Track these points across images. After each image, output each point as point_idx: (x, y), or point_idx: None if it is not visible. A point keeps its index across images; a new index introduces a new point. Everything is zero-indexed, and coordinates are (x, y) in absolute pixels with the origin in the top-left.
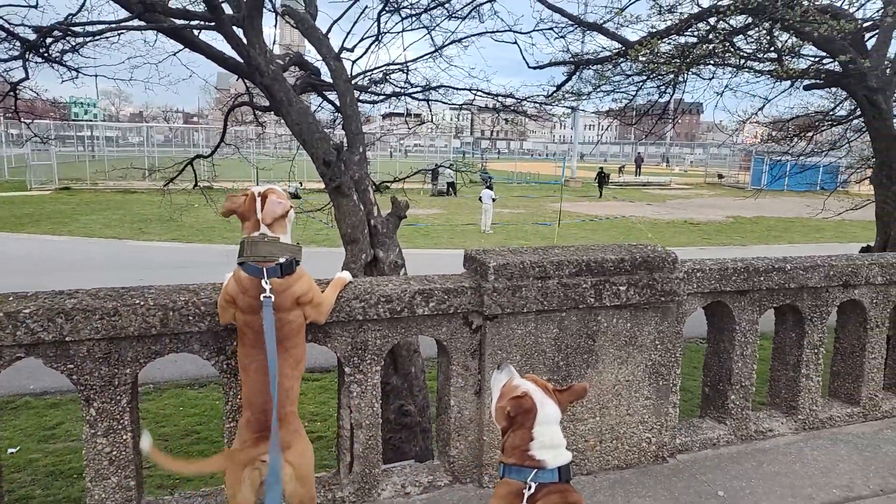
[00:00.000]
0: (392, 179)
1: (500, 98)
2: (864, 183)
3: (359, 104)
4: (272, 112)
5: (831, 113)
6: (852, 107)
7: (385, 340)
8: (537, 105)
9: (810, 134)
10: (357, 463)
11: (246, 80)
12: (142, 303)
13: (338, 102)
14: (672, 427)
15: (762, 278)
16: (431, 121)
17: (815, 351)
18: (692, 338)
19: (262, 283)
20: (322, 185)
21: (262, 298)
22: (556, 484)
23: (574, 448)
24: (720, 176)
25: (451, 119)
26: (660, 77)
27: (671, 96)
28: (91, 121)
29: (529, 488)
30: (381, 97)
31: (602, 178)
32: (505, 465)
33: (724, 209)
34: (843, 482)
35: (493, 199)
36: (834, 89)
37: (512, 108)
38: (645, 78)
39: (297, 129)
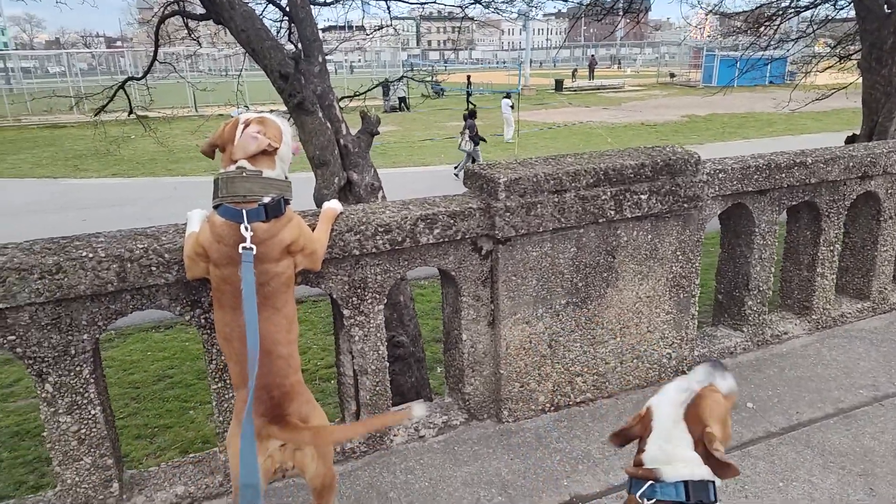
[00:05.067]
0: (352, 94)
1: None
2: (814, 75)
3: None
4: (208, 21)
5: (795, 0)
6: None
7: (387, 276)
8: (487, 6)
9: (776, 23)
10: (364, 411)
11: None
12: (90, 255)
13: (284, 5)
14: (691, 340)
15: (783, 175)
16: (391, 24)
17: (831, 248)
18: None
19: (242, 229)
20: (271, 106)
21: (240, 250)
22: None
23: (595, 372)
24: (672, 75)
25: (396, 30)
26: None
27: None
28: (1, 50)
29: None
30: None
31: (469, 84)
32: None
33: (678, 109)
34: (867, 381)
35: (511, 107)
36: None
37: (463, 10)
38: None
39: (244, 37)
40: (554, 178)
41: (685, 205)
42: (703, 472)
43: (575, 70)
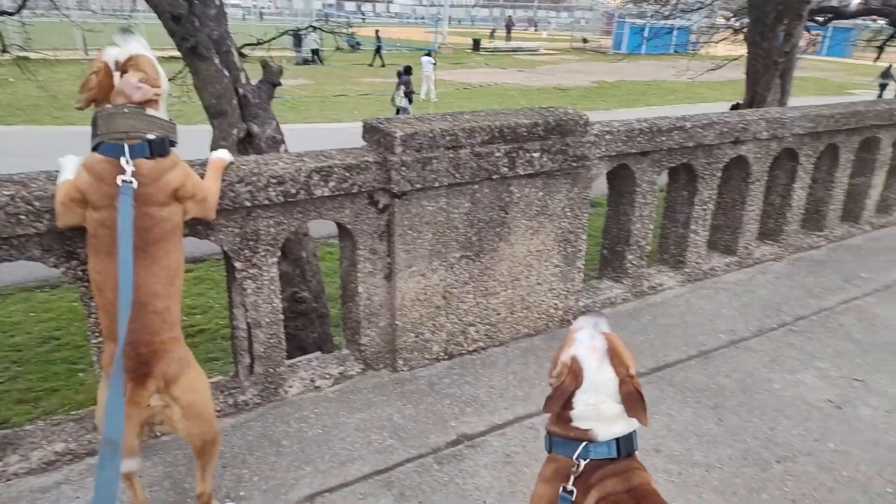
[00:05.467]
0: (255, 42)
1: None
2: (713, 45)
3: None
4: None
5: None
6: None
7: (280, 228)
8: None
9: None
10: (258, 363)
11: None
12: None
13: None
14: (577, 291)
15: (664, 138)
16: None
17: (705, 207)
18: None
19: (122, 162)
20: (169, 52)
21: (119, 183)
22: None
23: (487, 322)
24: (584, 41)
25: None
26: None
27: None
28: None
29: (578, 467)
30: None
31: (378, 38)
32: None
33: (589, 74)
34: (727, 327)
35: (434, 65)
36: None
37: None
38: None
39: None
40: (450, 135)
41: (574, 164)
42: (631, 423)
43: (493, 31)
